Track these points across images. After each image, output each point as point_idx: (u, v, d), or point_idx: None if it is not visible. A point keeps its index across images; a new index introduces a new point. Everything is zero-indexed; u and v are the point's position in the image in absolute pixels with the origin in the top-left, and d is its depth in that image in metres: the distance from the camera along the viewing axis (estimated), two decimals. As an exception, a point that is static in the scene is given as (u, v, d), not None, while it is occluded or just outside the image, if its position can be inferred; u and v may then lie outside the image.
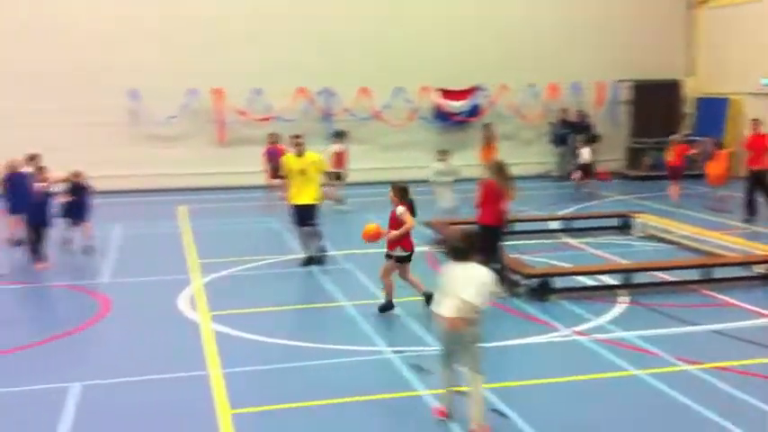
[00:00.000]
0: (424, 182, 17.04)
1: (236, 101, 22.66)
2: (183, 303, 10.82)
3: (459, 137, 24.15)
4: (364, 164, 21.95)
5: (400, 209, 9.86)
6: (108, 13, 21.84)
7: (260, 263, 13.11)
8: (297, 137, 13.16)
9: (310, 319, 10.50)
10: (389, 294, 10.13)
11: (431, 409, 7.13)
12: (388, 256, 10.07)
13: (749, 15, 23.49)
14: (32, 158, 14.55)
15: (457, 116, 24.38)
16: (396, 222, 9.90)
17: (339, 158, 19.02)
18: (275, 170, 16.76)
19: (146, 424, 7.05)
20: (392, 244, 9.97)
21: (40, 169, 13.85)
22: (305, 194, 12.74)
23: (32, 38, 21.33)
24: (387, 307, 10.12)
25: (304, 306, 11.17)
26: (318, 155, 13.34)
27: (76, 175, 14.13)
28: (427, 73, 23.77)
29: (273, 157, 17.67)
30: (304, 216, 12.79)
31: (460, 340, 6.62)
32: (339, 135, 19.92)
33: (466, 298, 6.41)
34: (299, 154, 12.89)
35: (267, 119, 22.75)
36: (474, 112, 24.44)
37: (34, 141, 17.16)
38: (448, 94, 24.27)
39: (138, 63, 21.73)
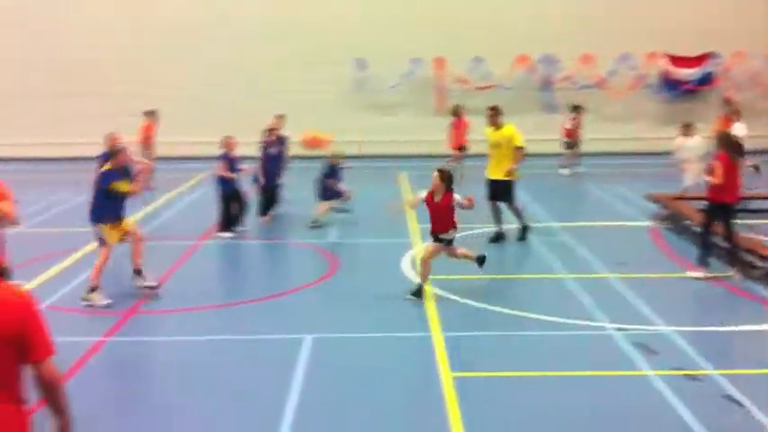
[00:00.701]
0: (653, 154, 16.31)
1: (456, 69, 22.84)
2: (405, 265, 11.20)
3: (687, 107, 22.83)
4: (585, 134, 21.36)
5: (457, 197, 9.58)
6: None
7: (476, 231, 13.22)
8: (491, 109, 12.49)
9: (528, 290, 10.46)
10: (425, 278, 9.70)
11: (656, 391, 6.92)
12: (439, 240, 9.71)
13: None
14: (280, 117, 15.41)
15: (686, 84, 23.07)
16: (445, 209, 9.61)
17: (570, 130, 19.94)
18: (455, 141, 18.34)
19: (364, 381, 7.38)
20: (445, 226, 9.66)
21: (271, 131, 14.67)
22: (498, 169, 12.26)
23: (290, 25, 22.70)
24: (419, 292, 9.62)
25: (521, 276, 11.16)
26: (514, 129, 12.37)
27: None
28: (656, 38, 22.63)
29: (457, 128, 18.49)
30: (496, 191, 12.36)
31: None
32: (576, 109, 20.23)
33: None
34: (496, 126, 12.35)
35: (486, 87, 22.77)
36: (705, 80, 23.03)
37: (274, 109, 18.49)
38: (677, 60, 23.03)
39: (363, 34, 22.46)
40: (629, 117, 22.80)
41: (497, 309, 9.28)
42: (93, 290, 9.46)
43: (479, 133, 21.66)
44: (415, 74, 22.92)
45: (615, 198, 16.38)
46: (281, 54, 22.64)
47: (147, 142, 17.14)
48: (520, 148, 12.18)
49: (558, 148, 20.26)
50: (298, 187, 15.62)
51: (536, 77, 23.16)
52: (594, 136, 21.47)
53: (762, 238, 11.84)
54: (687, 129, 15.70)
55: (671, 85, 23.17)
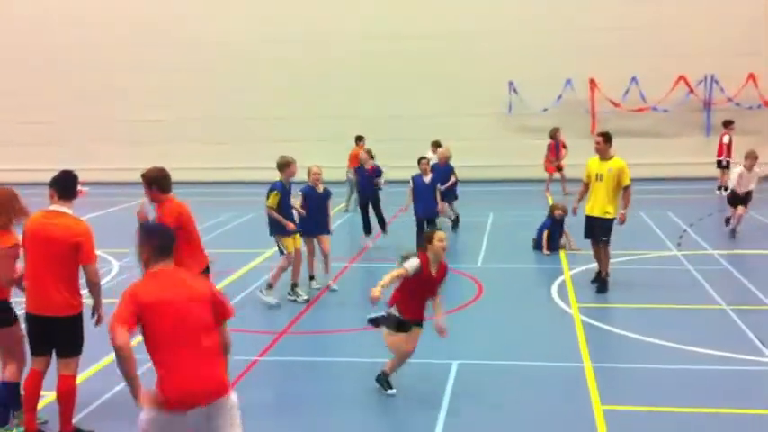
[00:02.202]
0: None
1: (610, 91, 22.29)
2: (554, 292, 10.98)
3: None
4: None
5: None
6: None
7: (631, 257, 12.78)
8: (602, 135, 10.98)
9: (684, 320, 9.95)
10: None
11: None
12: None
13: None
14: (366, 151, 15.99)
15: None
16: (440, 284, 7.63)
17: (726, 147, 19.51)
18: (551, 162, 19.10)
19: (520, 408, 7.27)
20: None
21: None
22: (597, 205, 10.78)
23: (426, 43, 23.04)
24: (386, 382, 7.69)
25: (677, 306, 10.64)
26: (624, 163, 10.73)
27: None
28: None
29: (552, 150, 19.35)
30: (594, 229, 10.88)
31: None
32: (727, 124, 19.74)
33: None
34: (602, 157, 10.84)
35: (642, 110, 22.08)
36: None
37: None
38: None
39: (516, 55, 22.38)
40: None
41: (651, 339, 8.91)
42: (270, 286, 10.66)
43: (640, 157, 21.31)
44: (565, 96, 22.54)
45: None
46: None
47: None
48: (628, 188, 10.75)
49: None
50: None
51: (696, 99, 22.19)
52: (763, 160, 20.26)
53: None
54: None
55: None
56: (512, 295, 11.17)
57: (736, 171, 14.32)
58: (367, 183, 15.04)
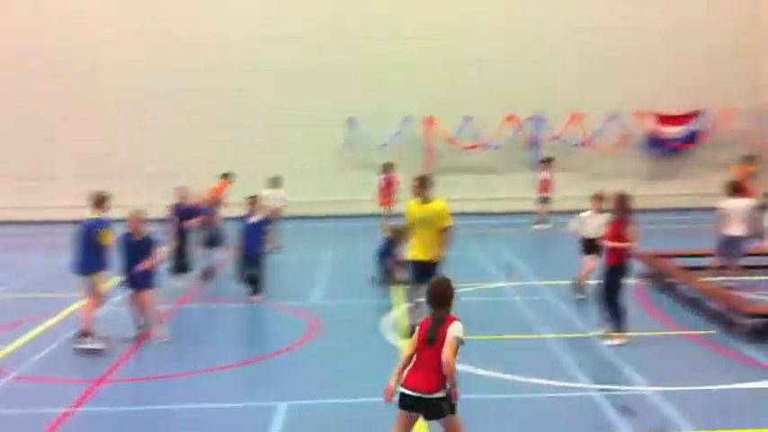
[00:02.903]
0: (641, 211, 16.21)
1: (446, 128, 23.00)
2: (387, 326, 11.06)
3: (673, 165, 23.12)
4: (572, 191, 21.52)
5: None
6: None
7: (460, 290, 13.07)
8: (418, 179, 10.47)
9: (508, 350, 10.28)
10: None
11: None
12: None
13: None
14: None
15: (672, 143, 23.23)
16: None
17: (545, 184, 20.32)
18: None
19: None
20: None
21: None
22: (422, 249, 10.28)
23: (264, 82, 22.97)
24: None
25: (501, 336, 10.96)
26: (444, 203, 10.41)
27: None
28: (643, 97, 22.86)
29: (386, 185, 19.31)
30: (420, 275, 10.10)
31: None
32: (546, 161, 20.73)
33: None
34: (423, 200, 10.41)
35: (475, 146, 22.93)
36: (691, 138, 23.19)
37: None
38: (664, 119, 23.22)
39: (355, 91, 22.69)
40: (617, 175, 22.79)
41: (476, 371, 9.09)
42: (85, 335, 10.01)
43: (472, 193, 22.13)
44: (403, 133, 23.07)
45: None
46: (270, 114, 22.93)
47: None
48: (449, 228, 10.34)
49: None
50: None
51: (524, 136, 23.30)
52: (582, 194, 21.45)
53: (745, 294, 11.72)
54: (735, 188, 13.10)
55: (657, 144, 23.32)
56: (345, 331, 11.13)
57: (583, 215, 12.48)
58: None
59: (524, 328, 11.07)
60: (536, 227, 20.16)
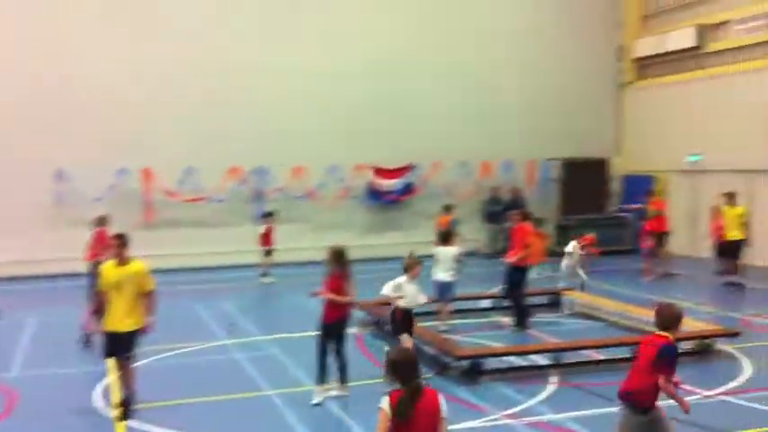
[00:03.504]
0: (363, 261, 16.71)
1: (166, 181, 22.26)
2: (97, 397, 10.22)
3: (391, 216, 24.32)
4: (297, 243, 21.91)
5: None
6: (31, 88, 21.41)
7: (176, 351, 12.54)
8: (115, 237, 9.59)
9: (232, 411, 9.95)
10: None
11: None
12: None
13: (675, 95, 24.42)
14: None
15: (389, 195, 24.43)
16: None
17: (267, 237, 20.32)
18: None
19: None
20: None
21: None
22: (119, 318, 9.31)
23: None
24: None
25: (225, 396, 10.59)
26: (143, 265, 9.52)
27: None
28: (362, 151, 23.83)
29: (98, 239, 16.20)
30: (117, 347, 9.38)
31: None
32: (268, 215, 20.76)
33: None
34: (120, 262, 9.43)
35: (197, 199, 22.44)
36: (406, 190, 24.55)
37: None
38: (381, 172, 24.35)
39: (65, 142, 21.25)
40: (339, 226, 23.44)
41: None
42: None
43: (196, 247, 21.53)
44: (119, 186, 21.92)
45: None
46: None
47: None
48: (152, 292, 9.54)
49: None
50: None
51: (248, 189, 23.21)
52: (306, 245, 21.83)
53: (455, 337, 12.44)
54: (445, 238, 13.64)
55: (376, 195, 24.38)
56: (50, 405, 10.08)
57: (399, 280, 10.59)
58: None
59: (246, 386, 10.78)
60: (263, 279, 20.03)
